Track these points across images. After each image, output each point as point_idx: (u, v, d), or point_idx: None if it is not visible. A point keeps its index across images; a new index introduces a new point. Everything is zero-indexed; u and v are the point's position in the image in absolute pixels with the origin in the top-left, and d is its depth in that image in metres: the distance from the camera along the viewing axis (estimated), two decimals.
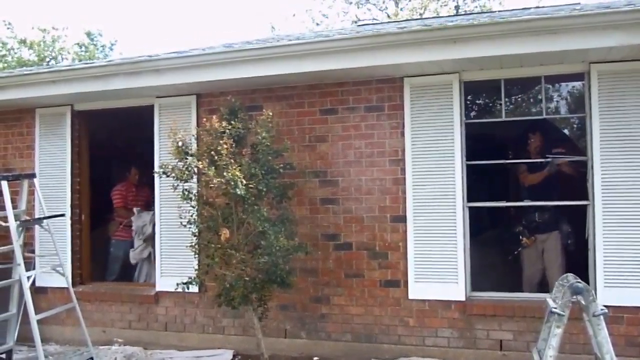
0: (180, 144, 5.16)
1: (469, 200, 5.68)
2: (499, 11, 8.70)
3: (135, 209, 7.89)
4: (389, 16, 22.84)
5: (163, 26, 49.04)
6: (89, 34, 27.32)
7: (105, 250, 7.99)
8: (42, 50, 25.55)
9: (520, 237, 6.67)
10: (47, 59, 25.40)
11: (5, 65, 23.84)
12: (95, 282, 7.37)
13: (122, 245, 7.92)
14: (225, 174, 4.73)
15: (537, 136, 6.53)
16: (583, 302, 3.57)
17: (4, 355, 5.79)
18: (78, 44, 27.03)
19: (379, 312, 5.87)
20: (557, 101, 9.00)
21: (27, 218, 5.80)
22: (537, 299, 5.45)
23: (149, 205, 8.02)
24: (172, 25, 49.27)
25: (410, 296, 5.76)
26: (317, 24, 25.04)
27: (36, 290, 6.93)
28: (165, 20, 49.32)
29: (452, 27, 5.06)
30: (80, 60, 24.55)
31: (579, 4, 7.06)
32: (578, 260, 5.61)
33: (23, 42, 25.19)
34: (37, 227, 6.66)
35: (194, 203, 5.29)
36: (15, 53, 25.37)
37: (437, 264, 5.66)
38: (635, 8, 4.57)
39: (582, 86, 5.70)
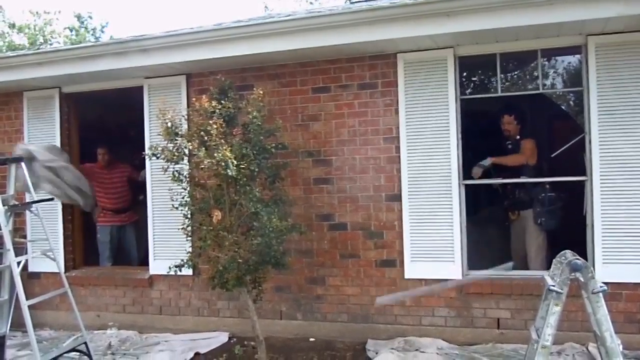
0: (169, 124, 5.04)
1: (464, 178, 5.61)
2: None
3: None
4: None
5: (155, 8, 48.54)
6: (79, 17, 27.04)
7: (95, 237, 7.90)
8: (32, 34, 25.27)
9: (508, 212, 6.65)
10: (38, 43, 25.12)
11: None
12: (89, 266, 7.31)
13: (108, 231, 7.82)
14: (215, 154, 4.63)
15: (511, 119, 6.45)
16: (582, 279, 3.51)
17: None
18: (68, 27, 26.75)
19: (375, 292, 5.82)
20: (554, 76, 8.91)
21: (16, 203, 5.70)
22: (535, 276, 5.40)
23: (124, 187, 7.98)
24: (164, 8, 48.74)
25: (407, 276, 5.72)
26: (311, 3, 24.77)
27: (29, 276, 6.91)
28: (157, 2, 48.79)
29: (445, 0, 4.93)
30: (72, 44, 24.29)
31: None
32: (575, 237, 5.55)
33: (13, 26, 24.90)
34: (28, 212, 6.57)
35: (185, 185, 5.20)
36: (6, 37, 25.08)
37: (433, 242, 5.61)
38: None
39: (579, 60, 5.60)
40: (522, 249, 6.50)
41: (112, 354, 5.84)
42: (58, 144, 6.93)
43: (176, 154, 5.02)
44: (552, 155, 6.31)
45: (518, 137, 6.41)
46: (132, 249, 7.99)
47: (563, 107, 9.56)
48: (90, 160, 7.63)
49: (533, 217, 6.26)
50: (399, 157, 5.70)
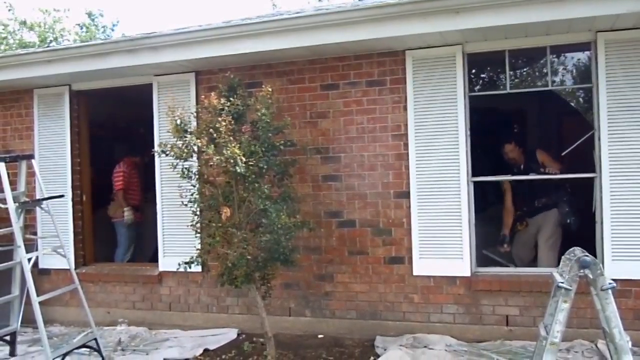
0: (179, 122, 5.07)
1: (473, 175, 5.60)
2: None
3: None
4: None
5: (165, 6, 48.58)
6: (90, 14, 27.08)
7: (111, 232, 7.94)
8: (43, 32, 25.35)
9: (516, 222, 6.69)
10: (49, 40, 25.19)
11: (7, 47, 23.67)
12: (99, 263, 7.35)
13: (134, 226, 7.91)
14: (224, 151, 4.65)
15: (512, 146, 6.50)
16: (590, 276, 3.50)
17: (8, 337, 5.77)
18: (79, 24, 26.82)
19: (383, 289, 5.83)
20: (563, 73, 8.87)
21: (27, 200, 5.75)
22: (544, 273, 5.40)
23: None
24: (175, 6, 48.80)
25: (415, 272, 5.71)
26: (319, 0, 24.69)
27: (39, 272, 6.97)
28: (167, 0, 48.84)
29: None
30: (82, 41, 24.32)
31: None
32: (584, 234, 5.54)
33: (24, 23, 25.00)
34: (38, 209, 6.62)
35: (194, 182, 5.21)
36: (17, 35, 25.18)
37: (442, 239, 5.60)
38: None
39: (589, 56, 5.57)
40: (529, 251, 6.52)
41: (122, 350, 5.87)
42: (68, 141, 6.99)
43: (185, 151, 5.04)
44: (562, 154, 6.29)
45: (523, 159, 6.48)
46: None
47: (572, 104, 9.51)
48: (97, 157, 7.65)
49: (557, 216, 6.29)
50: (408, 154, 5.69)
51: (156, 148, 5.38)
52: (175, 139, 5.10)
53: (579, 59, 8.64)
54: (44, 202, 5.58)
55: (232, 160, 4.63)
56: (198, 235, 5.58)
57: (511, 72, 6.06)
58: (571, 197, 6.37)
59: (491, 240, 6.43)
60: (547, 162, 6.23)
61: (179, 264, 5.11)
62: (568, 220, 6.28)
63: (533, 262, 6.46)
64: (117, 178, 7.84)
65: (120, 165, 7.94)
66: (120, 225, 7.89)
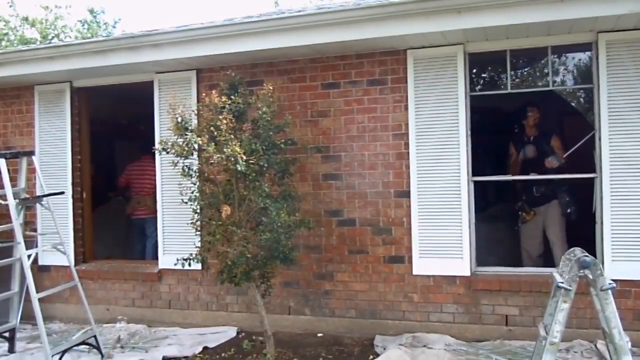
0: (179, 119, 5.07)
1: (473, 174, 5.59)
2: None
3: None
4: None
5: (167, 4, 48.54)
6: (91, 11, 27.05)
7: (110, 230, 7.93)
8: (44, 29, 25.32)
9: (520, 212, 6.63)
10: (50, 37, 25.16)
11: (8, 43, 23.64)
12: (98, 260, 7.35)
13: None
14: (225, 149, 4.65)
15: (536, 110, 6.47)
16: (590, 276, 3.50)
17: (7, 334, 5.77)
18: (80, 21, 26.79)
19: (383, 288, 5.83)
20: (564, 73, 8.88)
21: (27, 196, 5.74)
22: (543, 273, 5.40)
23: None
24: (176, 3, 48.76)
25: (415, 272, 5.71)
26: None
27: (39, 269, 6.97)
28: None
29: None
30: (83, 38, 24.27)
31: None
32: (584, 234, 5.53)
33: (25, 20, 24.98)
34: (38, 205, 6.62)
35: (194, 180, 5.22)
36: (18, 31, 25.15)
37: (442, 239, 5.60)
38: None
39: (590, 57, 5.57)
40: (538, 244, 6.49)
41: (121, 347, 5.87)
42: (69, 138, 6.99)
43: (186, 148, 5.04)
44: (564, 155, 6.29)
45: (537, 133, 6.43)
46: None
47: (573, 104, 9.52)
48: (98, 154, 7.64)
49: (560, 207, 6.30)
50: (408, 153, 5.69)
51: (157, 145, 5.38)
52: (176, 137, 5.10)
53: (580, 60, 8.64)
54: (44, 198, 5.58)
55: (232, 159, 4.63)
56: (198, 233, 5.58)
57: (512, 72, 6.05)
58: (570, 188, 6.35)
59: (491, 241, 6.42)
60: (557, 149, 6.25)
61: (177, 260, 5.12)
62: (568, 210, 6.28)
63: (542, 257, 6.45)
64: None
65: (153, 162, 7.85)
66: (149, 221, 7.86)
